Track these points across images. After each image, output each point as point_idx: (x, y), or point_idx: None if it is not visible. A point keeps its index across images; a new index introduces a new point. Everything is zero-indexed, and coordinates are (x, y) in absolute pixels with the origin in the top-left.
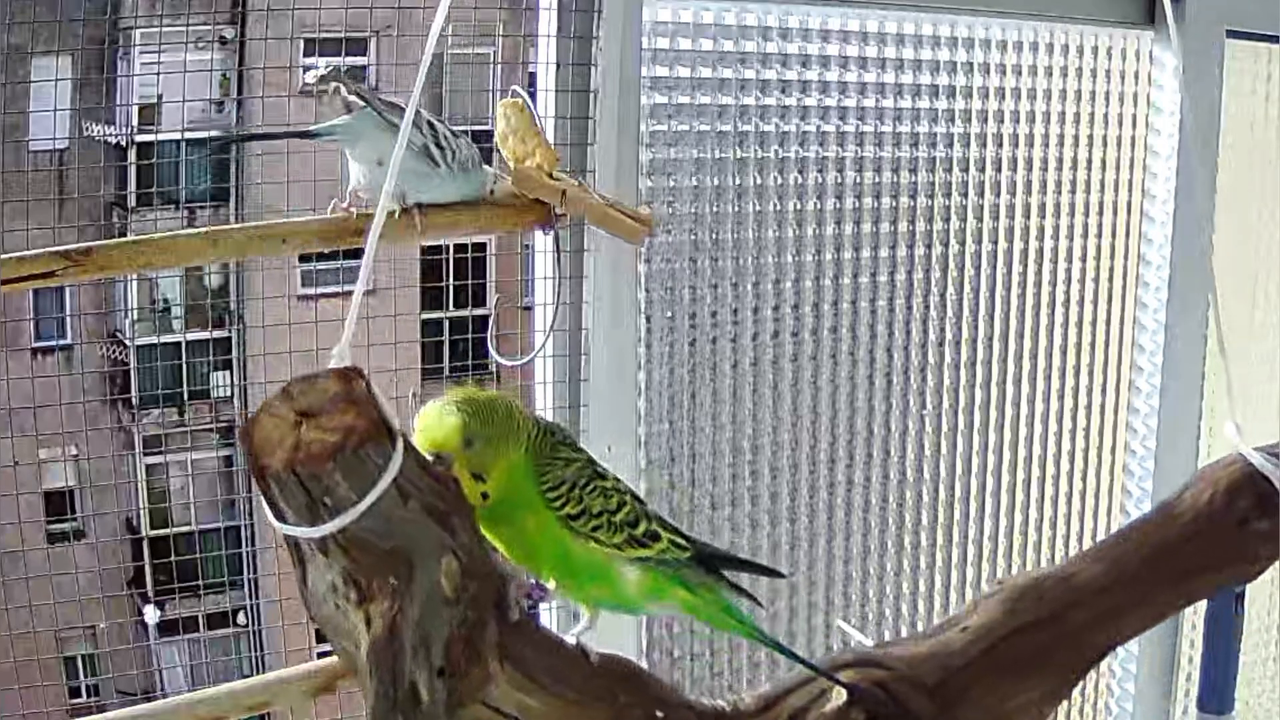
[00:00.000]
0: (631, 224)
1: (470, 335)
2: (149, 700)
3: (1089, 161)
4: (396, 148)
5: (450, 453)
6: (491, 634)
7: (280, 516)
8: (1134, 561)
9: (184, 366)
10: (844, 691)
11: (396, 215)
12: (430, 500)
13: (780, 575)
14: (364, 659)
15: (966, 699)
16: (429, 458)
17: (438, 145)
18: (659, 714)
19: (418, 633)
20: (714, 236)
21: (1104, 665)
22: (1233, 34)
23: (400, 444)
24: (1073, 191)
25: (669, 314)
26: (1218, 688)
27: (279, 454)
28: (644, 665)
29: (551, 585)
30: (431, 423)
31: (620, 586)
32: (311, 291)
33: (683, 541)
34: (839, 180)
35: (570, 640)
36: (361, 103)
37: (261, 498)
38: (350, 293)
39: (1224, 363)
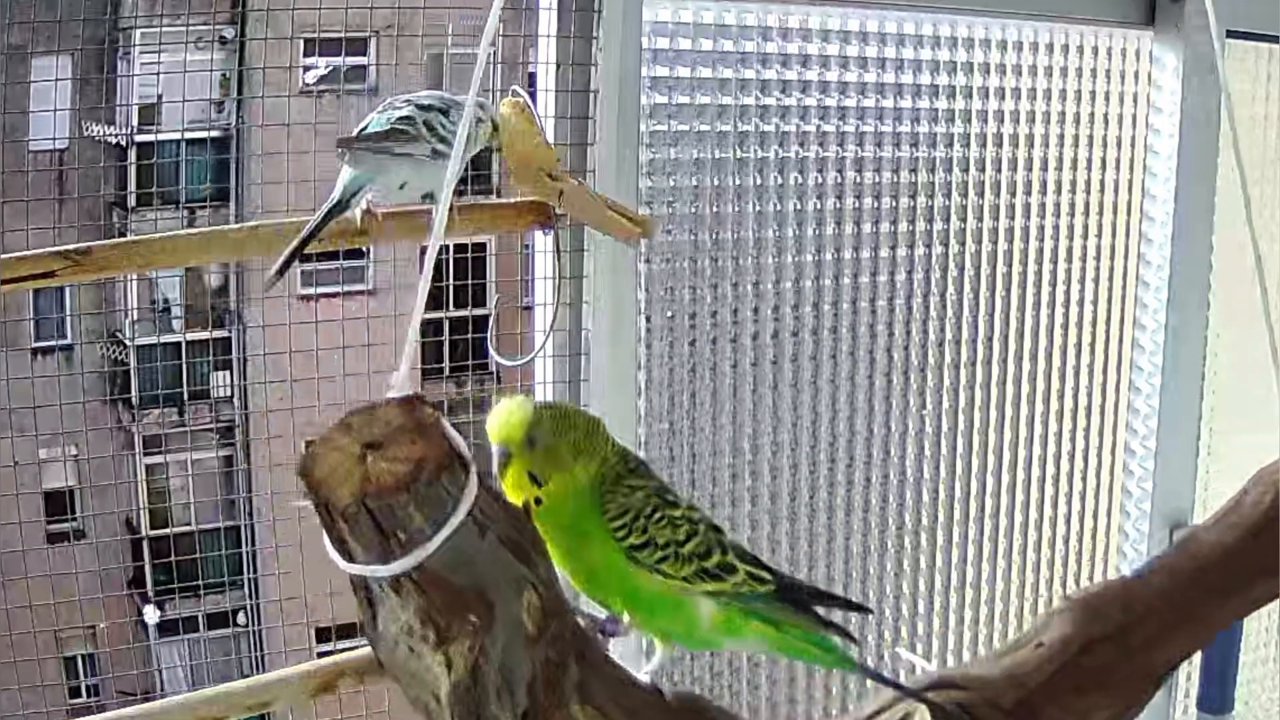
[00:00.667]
0: (628, 226)
1: (470, 335)
2: (149, 700)
3: (1089, 161)
4: (448, 179)
5: (509, 446)
6: (573, 674)
7: (347, 555)
8: (1198, 571)
9: (184, 366)
10: (928, 715)
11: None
12: (506, 532)
13: (867, 611)
14: (445, 704)
15: (1041, 716)
16: (494, 450)
17: (443, 140)
18: None
19: (501, 674)
20: (714, 236)
21: None
22: (1233, 34)
23: (474, 473)
24: (1073, 191)
25: (669, 314)
26: (1218, 688)
27: (346, 488)
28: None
29: (625, 619)
30: (501, 414)
31: (693, 621)
32: (311, 291)
33: (765, 575)
34: (839, 180)
35: (644, 679)
36: (374, 154)
37: (325, 537)
38: (349, 293)
39: (1275, 363)
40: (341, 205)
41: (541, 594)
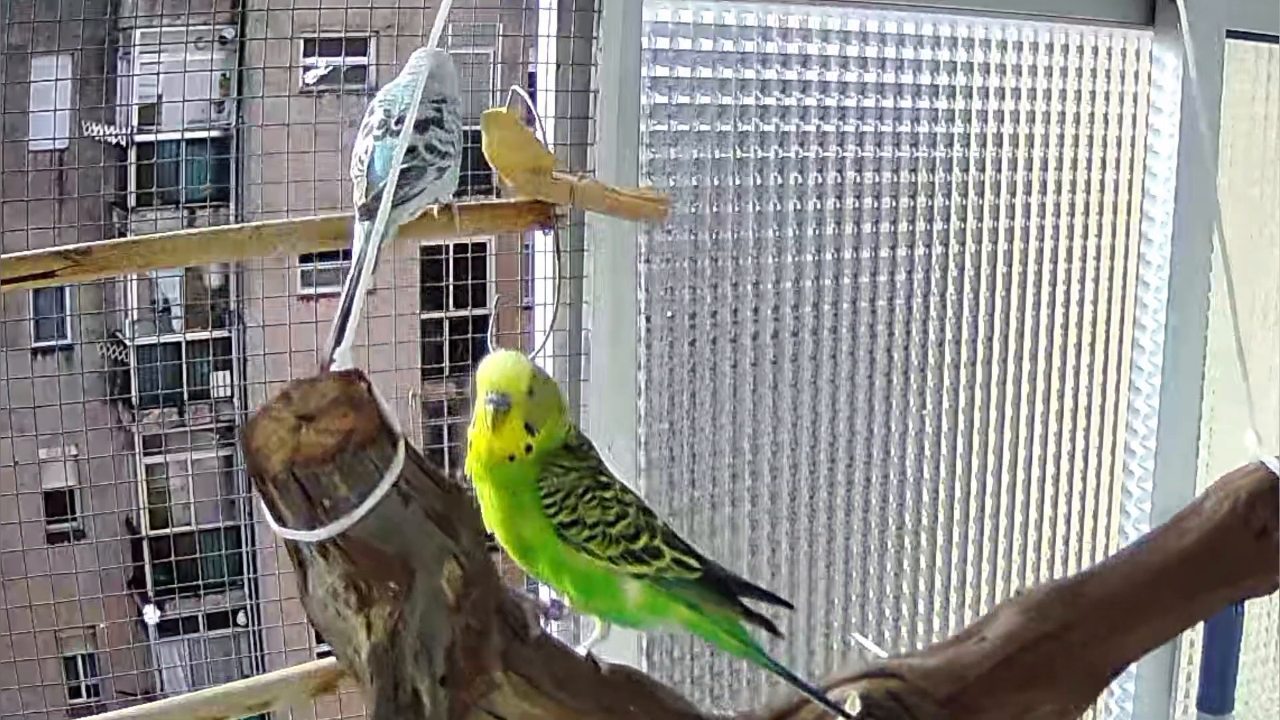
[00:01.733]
0: (651, 205)
1: (470, 335)
2: (149, 700)
3: (1089, 161)
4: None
5: (512, 395)
6: (495, 642)
7: (280, 520)
8: (1150, 573)
9: (184, 366)
10: (858, 702)
11: (435, 214)
12: (432, 504)
13: (789, 606)
14: (365, 664)
15: (979, 711)
16: (490, 398)
17: (444, 155)
18: None
19: (419, 639)
20: (714, 236)
21: None
22: (1233, 34)
23: (401, 446)
24: (1073, 191)
25: (669, 314)
26: (1218, 688)
27: (278, 456)
28: (645, 667)
29: (566, 602)
30: (500, 365)
31: (619, 600)
32: (311, 291)
33: (692, 561)
34: (839, 180)
35: (580, 651)
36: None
37: (261, 501)
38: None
39: (1243, 370)
40: (363, 268)
41: (463, 564)
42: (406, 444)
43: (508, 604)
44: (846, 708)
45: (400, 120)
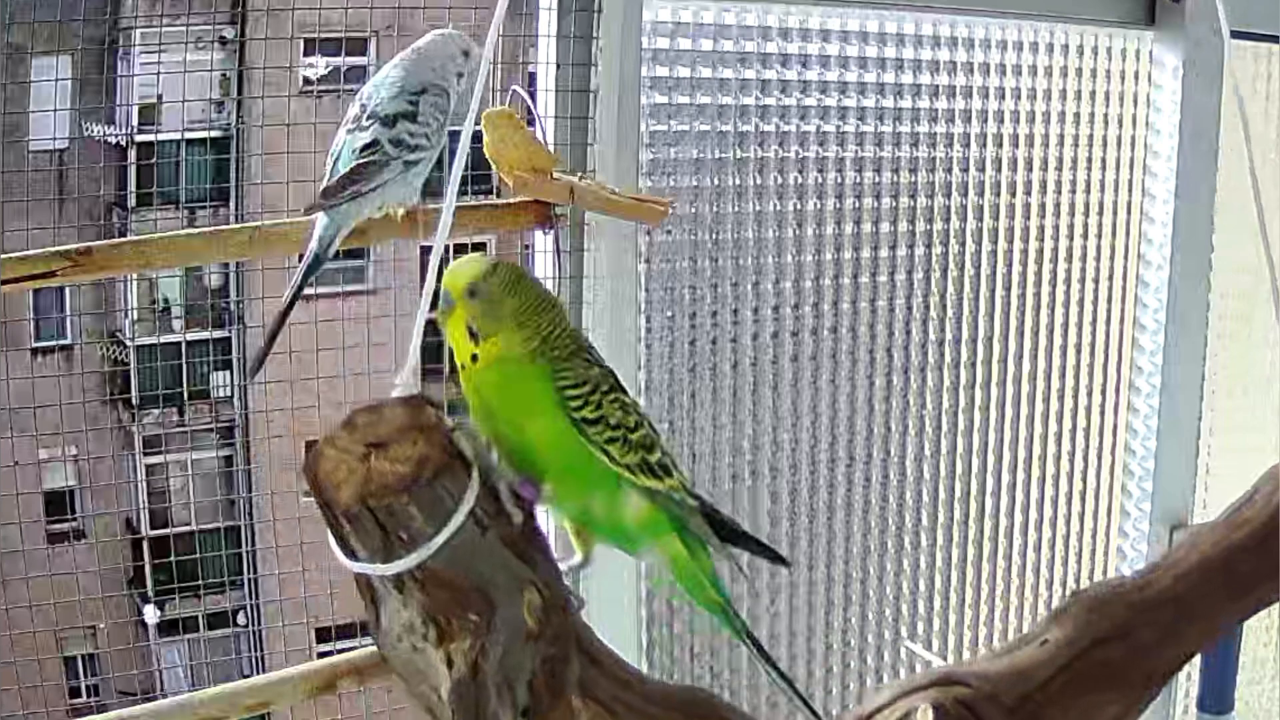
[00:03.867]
0: (651, 207)
1: None
2: (149, 700)
3: (1089, 161)
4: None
5: (451, 294)
6: (575, 669)
7: (350, 554)
8: (1208, 569)
9: (184, 366)
10: (929, 711)
11: (398, 219)
12: (507, 531)
13: (785, 563)
14: (445, 701)
15: (1046, 715)
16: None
17: (415, 148)
18: None
19: (501, 671)
20: (714, 236)
21: None
22: (1233, 34)
23: (475, 473)
24: (1073, 191)
25: (669, 314)
26: (1217, 688)
27: (348, 487)
28: (645, 667)
29: (548, 491)
30: (454, 266)
31: (619, 510)
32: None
33: (693, 491)
34: (839, 180)
35: (562, 568)
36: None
37: (329, 535)
38: (349, 293)
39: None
40: (320, 260)
41: (542, 592)
42: (480, 471)
43: (582, 629)
44: (918, 717)
45: (372, 116)
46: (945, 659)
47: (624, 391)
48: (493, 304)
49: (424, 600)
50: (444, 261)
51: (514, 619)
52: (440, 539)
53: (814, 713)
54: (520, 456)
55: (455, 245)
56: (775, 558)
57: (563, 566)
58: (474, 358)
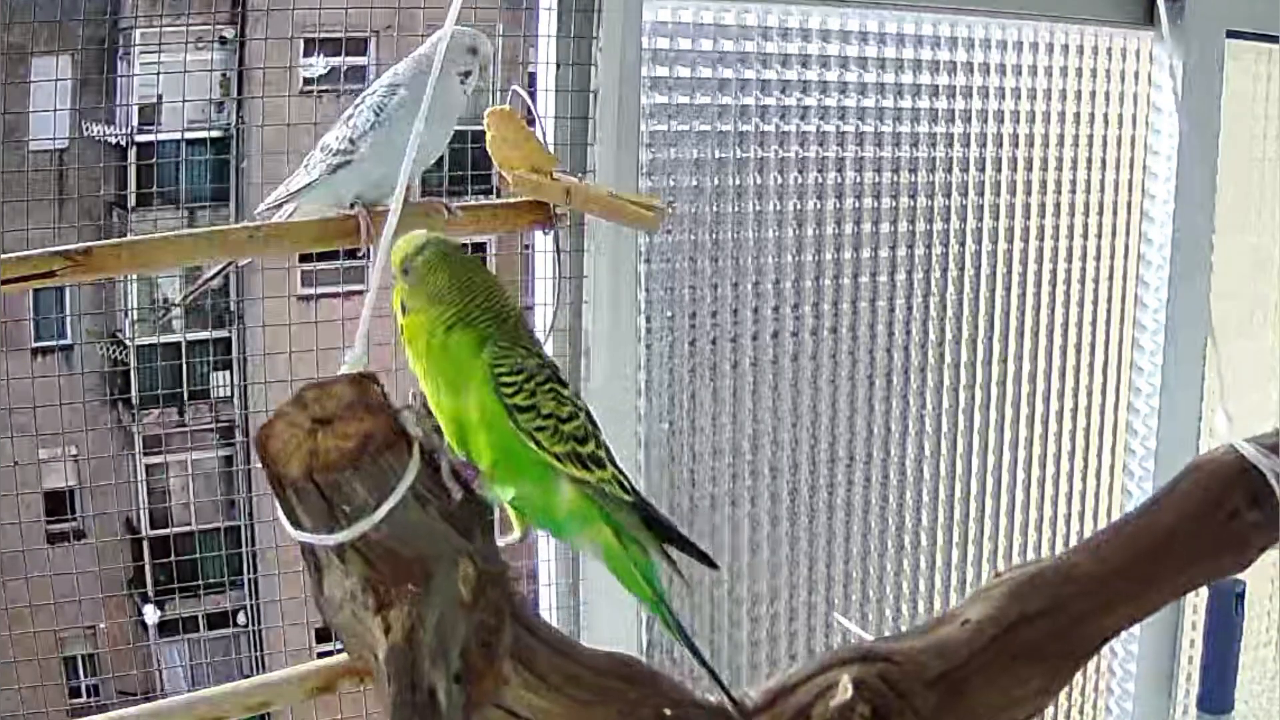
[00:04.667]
0: (645, 213)
1: None
2: (149, 700)
3: (1089, 161)
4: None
5: (394, 271)
6: (508, 638)
7: (296, 524)
8: (1129, 553)
9: (184, 366)
10: (849, 686)
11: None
12: (446, 505)
13: (713, 566)
14: (382, 666)
15: (968, 691)
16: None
17: (339, 152)
18: (668, 712)
19: (436, 639)
20: (714, 236)
21: (1104, 664)
22: (1233, 34)
23: (417, 449)
24: (1073, 191)
25: (669, 314)
26: (1218, 688)
27: (295, 461)
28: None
29: (484, 469)
30: (401, 240)
31: (550, 497)
32: (311, 291)
33: (629, 485)
34: (839, 180)
35: (500, 543)
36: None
37: (277, 505)
38: (349, 293)
39: (1215, 350)
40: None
41: (478, 564)
42: (421, 446)
43: (518, 599)
44: (838, 692)
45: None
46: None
47: (563, 385)
48: (418, 280)
49: (365, 570)
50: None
51: (449, 589)
52: (381, 512)
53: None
54: (463, 437)
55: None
56: (705, 560)
57: (500, 542)
58: (400, 330)
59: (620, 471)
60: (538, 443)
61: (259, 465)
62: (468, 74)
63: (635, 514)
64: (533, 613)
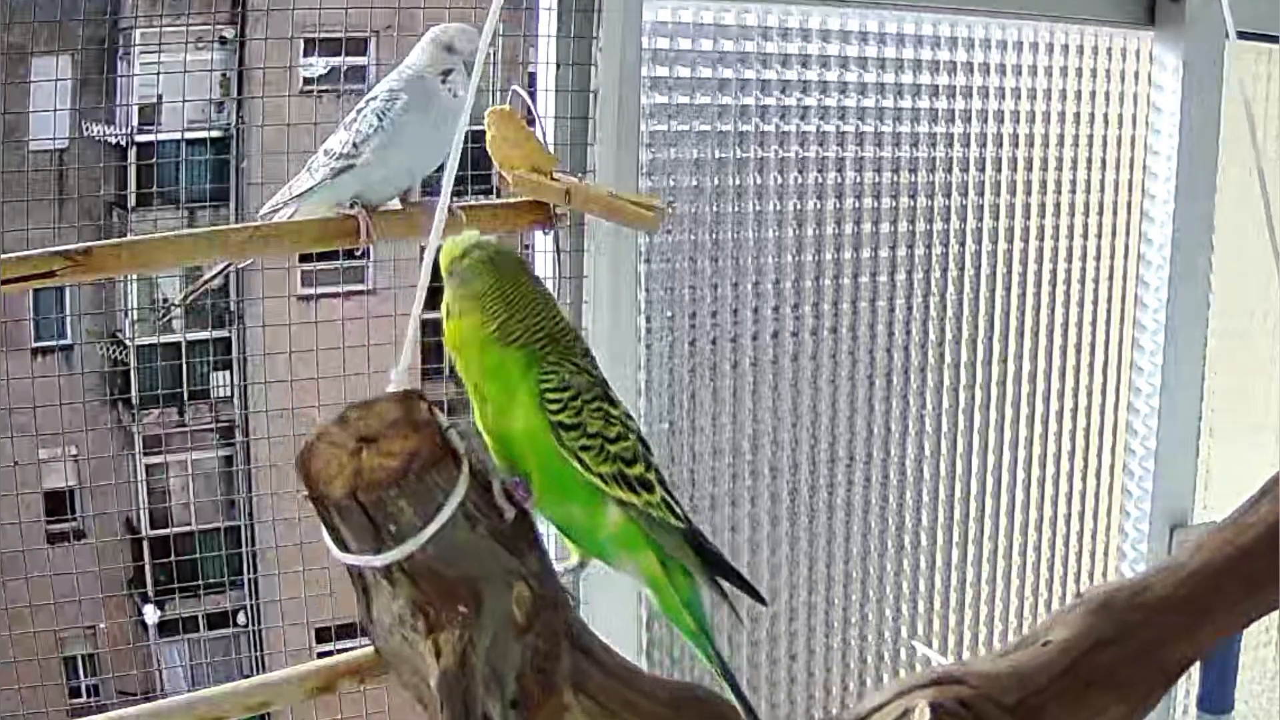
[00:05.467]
0: (645, 213)
1: None
2: (149, 700)
3: (1089, 161)
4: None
5: (443, 273)
6: (565, 664)
7: (342, 545)
8: (1212, 573)
9: (184, 366)
10: (927, 710)
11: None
12: (498, 525)
13: (762, 601)
14: (434, 692)
15: (1046, 716)
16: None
17: (340, 155)
18: None
19: (489, 663)
20: (714, 236)
21: None
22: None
23: (465, 467)
24: (1073, 191)
25: (669, 314)
26: (1218, 688)
27: (339, 481)
28: (645, 666)
29: (537, 492)
30: (449, 241)
31: (596, 519)
32: (311, 291)
33: (679, 511)
34: (839, 180)
35: (559, 569)
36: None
37: (323, 529)
38: (349, 293)
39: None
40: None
41: (532, 586)
42: (470, 465)
43: (576, 624)
44: (915, 716)
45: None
46: (948, 658)
47: (613, 404)
48: (463, 284)
49: (413, 592)
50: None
51: (502, 612)
52: (429, 532)
53: None
54: (509, 454)
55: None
56: (755, 595)
57: (559, 567)
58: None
59: (672, 497)
60: (582, 462)
61: (255, 467)
62: (448, 72)
63: (684, 541)
64: (595, 638)
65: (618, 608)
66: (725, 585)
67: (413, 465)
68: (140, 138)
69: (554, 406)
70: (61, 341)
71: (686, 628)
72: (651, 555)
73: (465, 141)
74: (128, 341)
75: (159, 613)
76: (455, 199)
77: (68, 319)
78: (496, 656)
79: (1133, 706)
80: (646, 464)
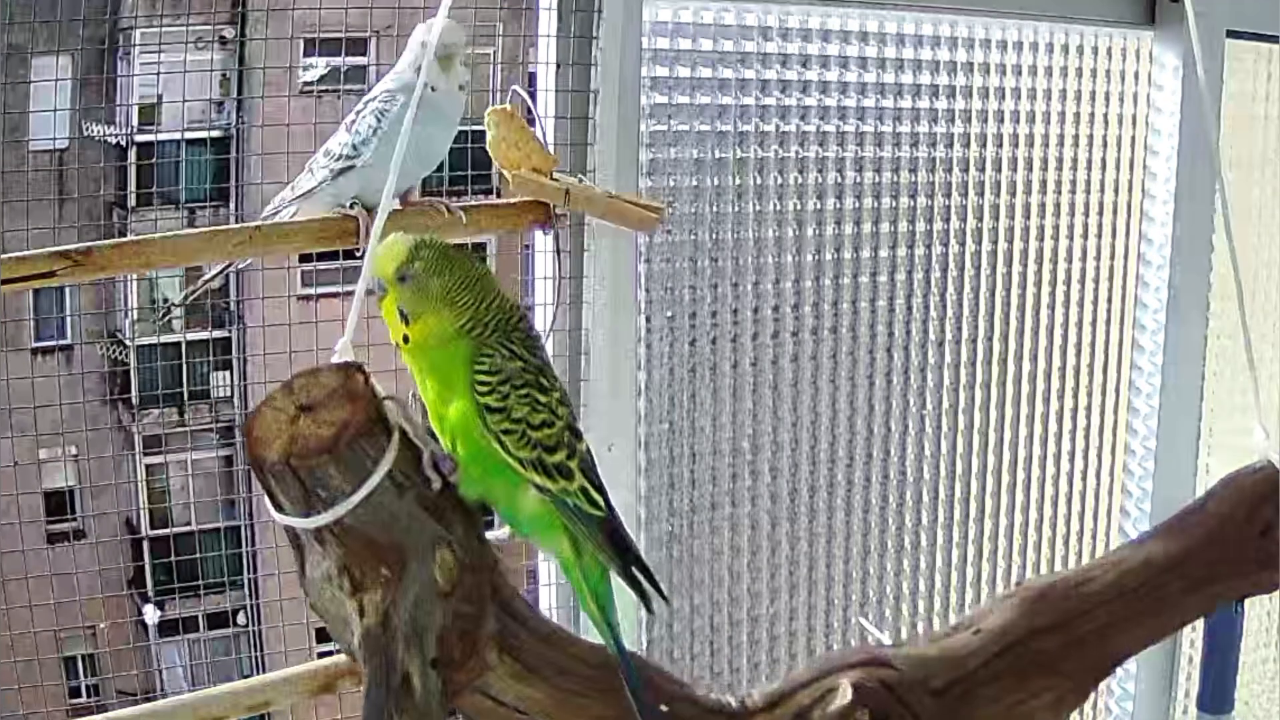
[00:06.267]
0: (642, 213)
1: None
2: (149, 700)
3: (1089, 161)
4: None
5: (383, 279)
6: (489, 626)
7: (278, 506)
8: (1151, 569)
9: (184, 366)
10: (849, 690)
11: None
12: (426, 493)
13: (665, 600)
14: (358, 647)
15: (974, 701)
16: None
17: (340, 157)
18: (664, 708)
19: (410, 623)
20: (714, 236)
21: None
22: (1233, 34)
23: (395, 438)
24: (1073, 191)
25: (669, 314)
26: (1217, 688)
27: (276, 446)
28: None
29: (459, 467)
30: (381, 248)
31: (514, 499)
32: (311, 291)
33: (599, 500)
34: (839, 180)
35: (490, 536)
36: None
37: (260, 487)
38: (350, 293)
39: (1251, 367)
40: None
41: (456, 551)
42: (402, 435)
43: (506, 590)
44: (837, 696)
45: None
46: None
47: (543, 390)
48: (420, 286)
49: (341, 553)
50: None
51: (425, 575)
52: (356, 498)
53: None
54: (442, 430)
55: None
56: (659, 591)
57: (496, 535)
58: (405, 339)
59: (594, 485)
60: (503, 445)
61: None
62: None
63: (598, 531)
64: (525, 604)
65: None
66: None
67: (344, 434)
68: (140, 138)
69: (483, 389)
70: (61, 341)
71: (591, 612)
72: (565, 539)
73: (465, 141)
74: (128, 341)
75: (159, 613)
76: (455, 199)
77: (68, 319)
78: (418, 617)
79: (1066, 692)
80: (570, 451)
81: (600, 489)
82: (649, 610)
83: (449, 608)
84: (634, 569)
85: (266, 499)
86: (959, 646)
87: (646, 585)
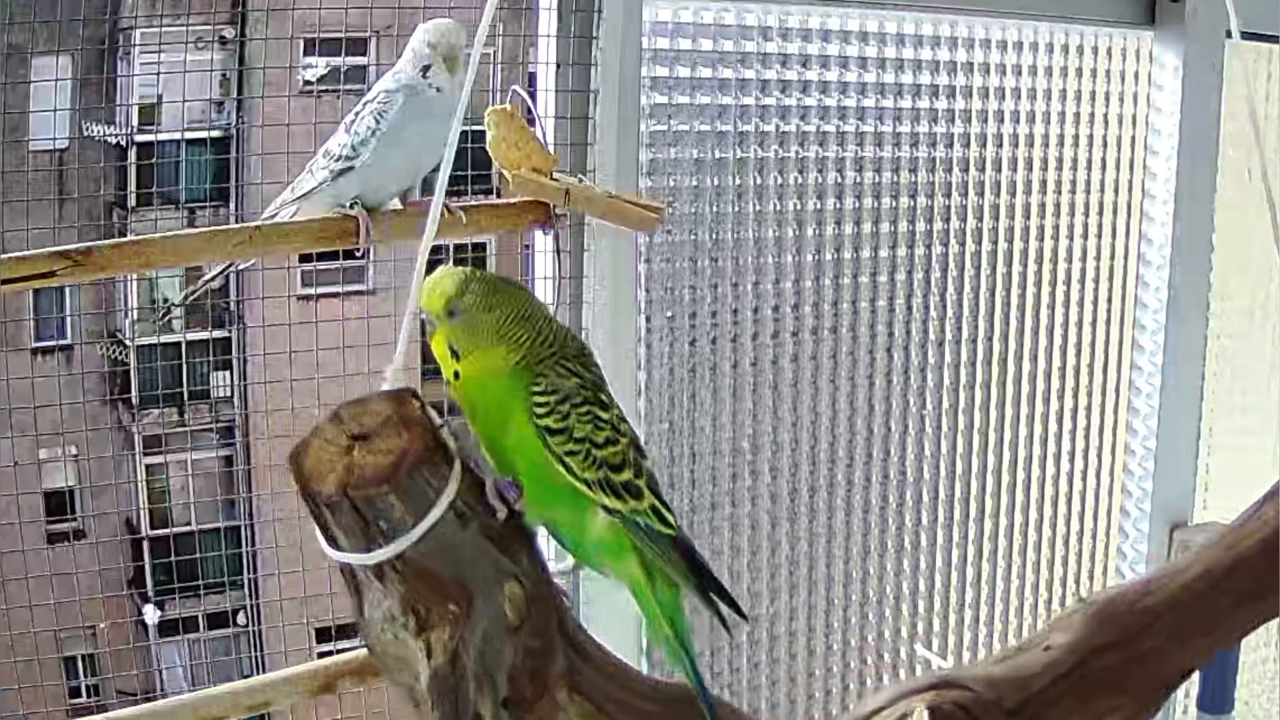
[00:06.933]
0: (642, 213)
1: None
2: (149, 700)
3: (1089, 161)
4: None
5: (433, 316)
6: (559, 663)
7: (333, 543)
8: (1212, 580)
9: (184, 366)
10: (925, 714)
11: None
12: (489, 523)
13: (743, 616)
14: (425, 690)
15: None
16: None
17: (339, 157)
18: None
19: (480, 662)
20: (714, 236)
21: None
22: (1231, 34)
23: (457, 466)
24: (1073, 191)
25: (669, 314)
26: (1218, 688)
27: (331, 478)
28: (646, 669)
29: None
30: (430, 282)
31: (582, 525)
32: (311, 291)
33: (669, 517)
34: (839, 180)
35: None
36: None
37: (315, 527)
38: (349, 293)
39: None
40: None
41: (524, 584)
42: (462, 464)
43: (569, 624)
44: (914, 719)
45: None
46: (948, 662)
47: (603, 407)
48: (471, 322)
49: (404, 590)
50: (432, 265)
51: (493, 611)
52: (419, 530)
53: None
54: (501, 460)
55: (455, 245)
56: (737, 609)
57: (556, 567)
58: (456, 375)
59: (663, 503)
60: (568, 467)
61: (255, 467)
62: (427, 68)
63: (671, 549)
64: (589, 638)
65: (618, 609)
66: (713, 596)
67: (404, 463)
68: (140, 138)
69: (541, 410)
70: (61, 341)
71: (666, 637)
72: (635, 562)
73: (465, 141)
74: (128, 341)
75: (159, 613)
76: (455, 199)
77: (68, 319)
78: (488, 655)
79: (1133, 711)
80: (637, 469)
81: (669, 507)
82: (728, 633)
83: (518, 643)
84: (708, 588)
85: (320, 537)
86: (1029, 665)
87: (723, 607)
